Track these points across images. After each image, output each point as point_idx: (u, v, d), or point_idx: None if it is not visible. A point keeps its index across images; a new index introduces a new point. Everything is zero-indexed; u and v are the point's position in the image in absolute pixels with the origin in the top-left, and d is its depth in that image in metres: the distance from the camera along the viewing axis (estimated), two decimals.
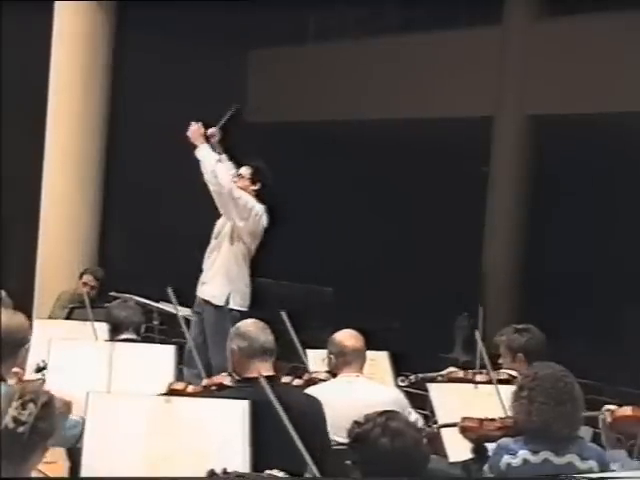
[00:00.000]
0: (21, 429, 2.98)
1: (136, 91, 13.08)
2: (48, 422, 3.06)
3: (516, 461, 3.97)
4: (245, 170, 7.39)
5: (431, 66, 14.48)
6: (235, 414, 4.05)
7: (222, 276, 7.32)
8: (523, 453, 3.99)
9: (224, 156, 7.40)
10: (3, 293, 6.76)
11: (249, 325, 4.81)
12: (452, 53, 14.17)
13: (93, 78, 9.69)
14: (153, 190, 14.38)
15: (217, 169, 7.20)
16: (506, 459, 4.00)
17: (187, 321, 7.34)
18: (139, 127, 13.56)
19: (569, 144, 13.17)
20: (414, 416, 5.33)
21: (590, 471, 3.98)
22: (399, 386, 5.79)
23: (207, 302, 7.34)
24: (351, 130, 15.16)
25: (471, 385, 5.15)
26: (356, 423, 3.40)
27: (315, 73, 15.57)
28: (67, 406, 3.25)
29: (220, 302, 7.29)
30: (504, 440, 4.13)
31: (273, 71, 16.14)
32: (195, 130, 7.37)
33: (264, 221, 7.33)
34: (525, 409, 4.06)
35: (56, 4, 9.68)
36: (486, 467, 4.15)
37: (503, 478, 4.02)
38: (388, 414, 3.42)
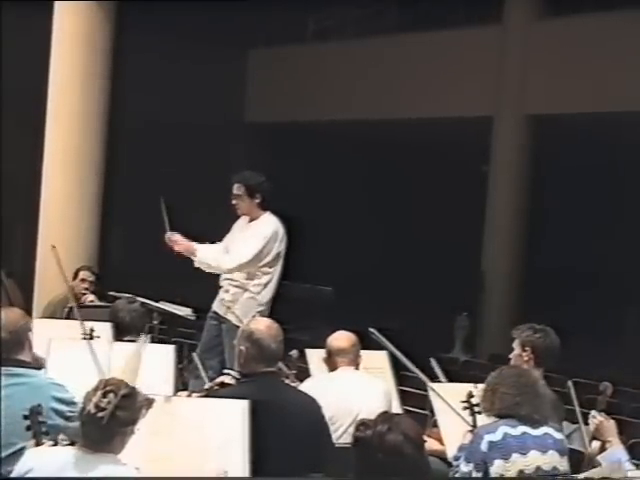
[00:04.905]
0: (100, 414, 3.39)
1: (136, 91, 13.09)
2: (128, 412, 3.44)
3: (496, 436, 4.14)
4: (237, 189, 7.06)
5: (431, 66, 14.48)
6: (235, 414, 4.05)
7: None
8: (503, 428, 4.16)
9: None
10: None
11: (263, 331, 4.68)
12: (452, 53, 14.17)
13: (93, 78, 9.67)
14: (153, 190, 14.37)
15: (219, 264, 6.98)
16: (487, 438, 4.14)
17: (187, 320, 7.34)
18: (139, 127, 13.57)
19: (569, 144, 13.18)
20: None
21: (562, 443, 4.25)
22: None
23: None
24: (350, 130, 15.16)
25: (471, 385, 5.15)
26: (361, 424, 3.34)
27: (315, 73, 15.57)
28: (149, 402, 3.56)
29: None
30: (481, 426, 4.36)
31: (273, 71, 16.14)
32: (181, 245, 7.13)
33: (275, 248, 7.16)
34: (489, 399, 4.31)
35: (56, 4, 9.66)
36: (466, 466, 4.17)
37: (501, 478, 4.05)
38: (391, 422, 3.30)
